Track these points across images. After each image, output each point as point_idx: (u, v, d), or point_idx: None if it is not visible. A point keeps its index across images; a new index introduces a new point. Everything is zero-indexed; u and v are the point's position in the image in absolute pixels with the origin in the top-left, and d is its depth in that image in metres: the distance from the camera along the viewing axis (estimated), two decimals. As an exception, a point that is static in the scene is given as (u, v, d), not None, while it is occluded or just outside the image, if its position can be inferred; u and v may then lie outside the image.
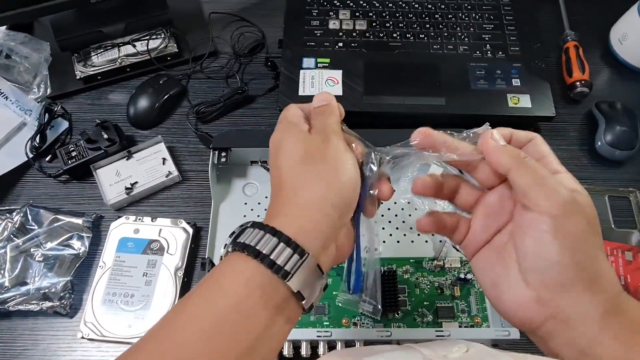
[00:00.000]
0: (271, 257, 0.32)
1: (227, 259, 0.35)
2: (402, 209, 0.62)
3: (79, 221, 0.63)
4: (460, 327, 0.54)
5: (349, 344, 0.51)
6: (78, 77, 0.74)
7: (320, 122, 0.39)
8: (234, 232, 0.36)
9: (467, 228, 0.38)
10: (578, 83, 0.73)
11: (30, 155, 0.67)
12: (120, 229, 0.62)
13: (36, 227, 0.63)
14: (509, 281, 0.34)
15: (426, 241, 0.60)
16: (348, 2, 0.78)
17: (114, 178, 0.66)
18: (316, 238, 0.34)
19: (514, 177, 0.34)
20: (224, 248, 0.36)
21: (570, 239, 0.32)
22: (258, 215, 0.63)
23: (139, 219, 0.63)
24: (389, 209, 0.62)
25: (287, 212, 0.35)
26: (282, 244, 0.33)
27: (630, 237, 0.64)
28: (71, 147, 0.67)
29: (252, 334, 0.32)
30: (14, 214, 0.63)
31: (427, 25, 0.75)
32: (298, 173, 0.37)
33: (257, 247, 0.33)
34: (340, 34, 0.74)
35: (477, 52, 0.73)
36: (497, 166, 0.35)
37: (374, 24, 0.76)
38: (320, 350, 0.51)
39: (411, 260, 0.59)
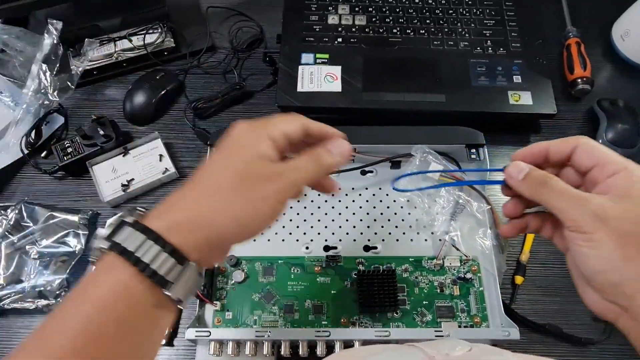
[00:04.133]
0: (152, 266, 0.31)
1: (104, 263, 0.33)
2: (402, 207, 0.62)
3: (75, 218, 0.63)
4: (459, 327, 0.54)
5: (347, 344, 0.51)
6: (73, 72, 0.73)
7: (300, 166, 0.37)
8: (111, 224, 0.35)
9: (553, 223, 0.39)
10: (579, 80, 0.72)
11: (26, 152, 0.66)
12: (117, 226, 0.62)
13: (31, 224, 0.62)
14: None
15: (425, 240, 0.60)
16: (347, -4, 0.77)
17: (110, 175, 0.66)
18: (198, 249, 0.34)
19: (541, 203, 0.36)
20: (97, 242, 0.33)
21: (606, 247, 0.33)
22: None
23: (136, 216, 0.62)
24: (388, 207, 0.62)
25: (180, 214, 0.34)
26: (164, 254, 0.32)
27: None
28: (67, 143, 0.66)
29: (126, 341, 0.32)
30: (9, 210, 0.62)
31: (428, 21, 0.74)
32: (224, 186, 0.35)
33: (137, 254, 0.31)
34: (340, 29, 0.73)
35: (478, 48, 0.72)
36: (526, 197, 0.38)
37: (373, 19, 0.75)
38: (319, 350, 0.51)
39: (410, 259, 0.58)
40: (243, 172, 0.35)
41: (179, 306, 0.34)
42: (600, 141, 0.68)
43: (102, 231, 0.34)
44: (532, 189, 0.37)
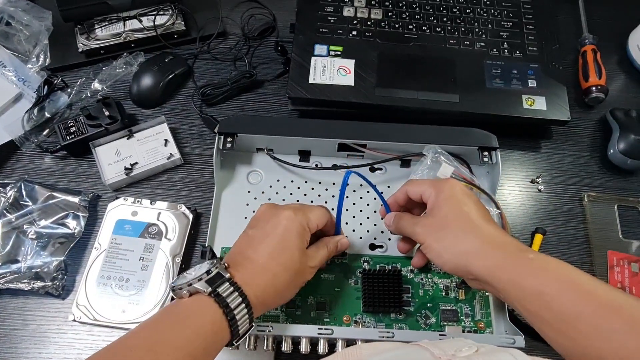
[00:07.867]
0: (239, 329, 0.42)
1: (202, 302, 0.41)
2: (410, 207, 0.61)
3: (75, 200, 0.61)
4: (463, 331, 0.53)
5: (349, 342, 0.50)
6: (80, 50, 0.71)
7: (320, 258, 0.50)
8: (210, 272, 0.43)
9: None
10: (594, 88, 0.71)
11: (28, 129, 0.65)
12: (118, 210, 0.60)
13: (30, 204, 0.60)
14: None
15: (432, 241, 0.59)
16: (364, -11, 0.75)
17: (114, 157, 0.64)
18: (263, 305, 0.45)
19: (403, 234, 0.55)
20: (199, 284, 0.42)
21: (439, 246, 0.47)
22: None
23: (138, 201, 0.61)
24: (395, 206, 0.61)
25: (254, 278, 0.45)
26: (245, 310, 0.42)
27: (638, 249, 0.63)
28: (70, 122, 0.64)
29: None
30: (8, 188, 0.61)
31: (445, 19, 0.73)
32: (285, 276, 0.46)
33: (231, 307, 0.41)
34: (355, 22, 0.72)
35: (494, 49, 0.71)
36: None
37: (389, 13, 0.73)
38: (320, 348, 0.50)
39: (416, 260, 0.57)
40: (295, 269, 0.47)
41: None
42: (612, 151, 0.67)
43: (193, 273, 0.43)
44: (397, 228, 0.53)
